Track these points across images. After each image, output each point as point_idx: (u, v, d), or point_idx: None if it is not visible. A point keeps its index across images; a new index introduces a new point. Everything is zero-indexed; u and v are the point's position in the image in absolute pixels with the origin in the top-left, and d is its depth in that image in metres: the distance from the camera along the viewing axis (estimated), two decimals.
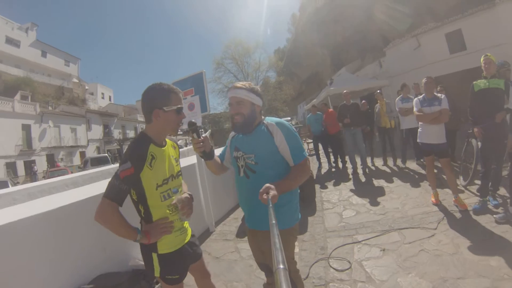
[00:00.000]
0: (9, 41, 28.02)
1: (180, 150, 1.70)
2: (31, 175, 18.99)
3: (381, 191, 4.44)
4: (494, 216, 2.88)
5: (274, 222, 0.85)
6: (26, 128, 20.49)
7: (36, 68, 30.35)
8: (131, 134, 34.27)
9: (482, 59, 3.04)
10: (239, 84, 1.52)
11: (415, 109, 3.47)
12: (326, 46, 26.78)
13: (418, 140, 3.56)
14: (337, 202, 4.35)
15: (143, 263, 1.58)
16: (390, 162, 6.10)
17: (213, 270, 2.02)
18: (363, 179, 5.47)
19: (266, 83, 32.94)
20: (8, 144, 18.40)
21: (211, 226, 3.81)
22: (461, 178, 4.09)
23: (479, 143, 3.21)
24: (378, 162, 6.43)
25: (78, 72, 37.16)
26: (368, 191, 4.56)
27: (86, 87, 37.31)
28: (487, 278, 2.07)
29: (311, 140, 7.68)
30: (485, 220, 2.91)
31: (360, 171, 5.81)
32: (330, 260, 2.64)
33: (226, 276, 2.60)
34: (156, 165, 1.31)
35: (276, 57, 35.86)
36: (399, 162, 5.93)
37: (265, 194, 1.13)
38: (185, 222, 1.51)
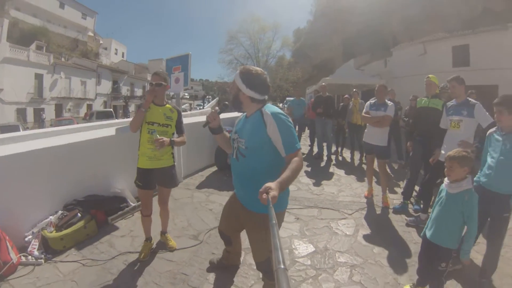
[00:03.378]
0: None
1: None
2: (39, 122, 19.92)
3: (330, 177, 5.02)
4: (406, 218, 3.21)
5: (274, 222, 0.82)
6: (39, 78, 21.23)
7: (52, 19, 30.30)
8: (139, 92, 34.56)
9: (424, 79, 3.33)
10: (240, 68, 1.61)
11: (364, 111, 3.81)
12: (340, 35, 26.63)
13: (363, 139, 3.85)
14: None
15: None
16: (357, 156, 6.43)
17: (170, 206, 2.78)
18: (323, 164, 6.04)
19: (281, 60, 33.24)
20: (20, 91, 19.23)
21: (179, 178, 4.56)
22: (405, 182, 4.05)
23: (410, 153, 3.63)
24: (347, 154, 6.82)
25: (94, 26, 36.96)
26: (320, 175, 5.10)
27: (101, 42, 37.39)
28: (360, 257, 2.44)
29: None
30: (398, 219, 3.23)
31: (325, 158, 6.37)
32: None
33: (176, 212, 3.41)
34: (149, 113, 2.36)
35: (292, 37, 36.28)
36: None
37: (264, 194, 1.08)
38: (161, 156, 2.38)
